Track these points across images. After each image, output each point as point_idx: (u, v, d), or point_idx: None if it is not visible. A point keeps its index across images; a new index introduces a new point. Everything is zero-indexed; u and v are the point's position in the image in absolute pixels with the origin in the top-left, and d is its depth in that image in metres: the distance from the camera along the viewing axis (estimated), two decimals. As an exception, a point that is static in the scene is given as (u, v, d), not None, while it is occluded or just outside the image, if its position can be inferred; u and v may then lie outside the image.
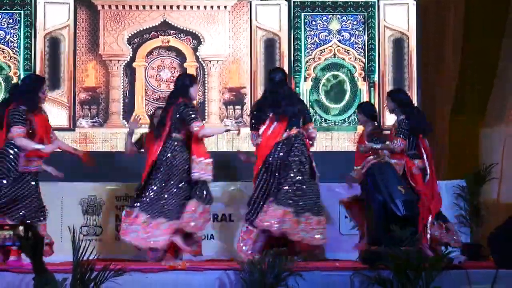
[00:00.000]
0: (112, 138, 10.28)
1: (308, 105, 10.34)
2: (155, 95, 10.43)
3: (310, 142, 7.80)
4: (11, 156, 7.21)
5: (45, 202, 7.62)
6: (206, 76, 10.43)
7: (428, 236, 7.54)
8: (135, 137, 8.30)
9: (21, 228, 6.70)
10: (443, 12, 10.61)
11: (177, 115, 7.45)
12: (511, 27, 9.82)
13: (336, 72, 10.51)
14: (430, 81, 10.63)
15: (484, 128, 9.95)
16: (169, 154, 7.45)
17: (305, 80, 10.47)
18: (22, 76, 10.27)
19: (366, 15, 10.54)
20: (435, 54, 10.67)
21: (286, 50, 10.47)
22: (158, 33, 10.48)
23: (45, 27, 10.36)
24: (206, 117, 10.34)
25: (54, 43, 10.37)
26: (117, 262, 6.17)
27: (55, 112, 10.13)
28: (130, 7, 10.47)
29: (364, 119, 8.00)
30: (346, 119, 10.49)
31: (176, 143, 7.49)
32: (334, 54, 10.54)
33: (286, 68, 10.40)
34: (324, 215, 7.75)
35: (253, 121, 7.85)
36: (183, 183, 7.45)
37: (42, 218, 7.43)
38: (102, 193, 8.74)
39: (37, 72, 10.17)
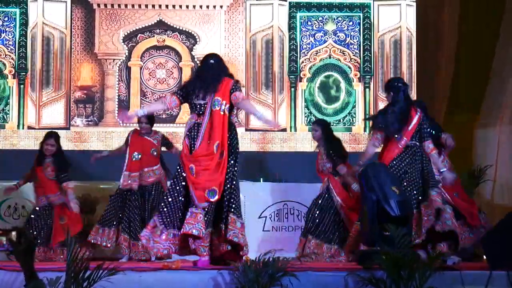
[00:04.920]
0: (106, 137, 10.26)
1: (303, 106, 10.36)
2: (150, 94, 10.42)
3: None
4: None
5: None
6: (201, 75, 10.40)
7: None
8: None
9: (13, 233, 6.67)
10: (438, 13, 10.63)
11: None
12: (506, 28, 9.84)
13: (331, 73, 10.51)
14: (425, 82, 10.64)
15: (479, 129, 9.96)
16: None
17: (300, 81, 10.47)
18: (16, 74, 10.26)
19: (361, 15, 10.55)
20: (430, 55, 10.68)
21: (281, 50, 10.47)
22: (154, 32, 10.48)
23: (41, 25, 10.35)
24: (201, 116, 10.31)
25: (49, 41, 10.36)
26: (111, 260, 6.16)
27: (50, 111, 10.13)
28: (126, 6, 10.46)
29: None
30: (341, 120, 10.49)
31: None
32: (330, 55, 10.54)
33: (281, 68, 10.40)
34: None
35: None
36: None
37: None
38: (96, 192, 8.73)
39: (32, 70, 10.18)
